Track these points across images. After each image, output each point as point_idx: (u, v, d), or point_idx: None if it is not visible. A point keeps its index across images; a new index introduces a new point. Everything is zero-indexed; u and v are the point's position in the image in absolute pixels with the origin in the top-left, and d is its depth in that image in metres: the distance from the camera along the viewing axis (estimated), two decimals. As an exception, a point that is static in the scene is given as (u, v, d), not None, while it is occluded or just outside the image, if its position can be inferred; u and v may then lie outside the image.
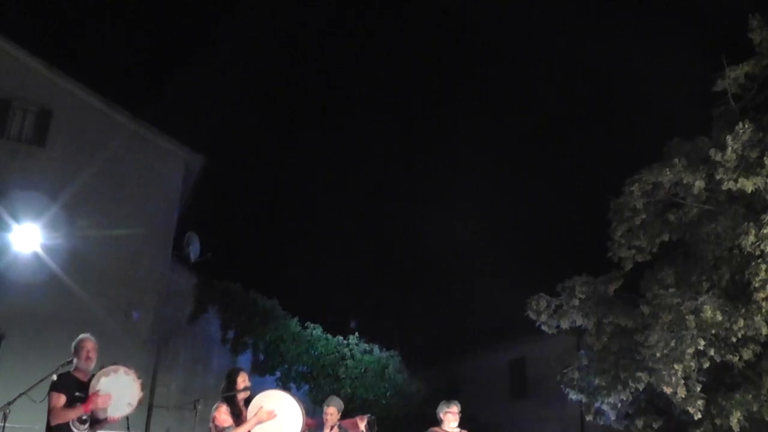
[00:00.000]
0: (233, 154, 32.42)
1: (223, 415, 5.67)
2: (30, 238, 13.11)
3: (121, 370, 5.48)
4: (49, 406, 5.33)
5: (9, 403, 5.31)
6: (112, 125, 15.61)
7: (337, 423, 7.04)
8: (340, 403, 7.12)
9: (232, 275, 16.43)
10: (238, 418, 5.68)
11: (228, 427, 5.59)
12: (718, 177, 9.75)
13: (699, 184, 10.04)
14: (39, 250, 13.33)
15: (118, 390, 5.43)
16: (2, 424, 5.25)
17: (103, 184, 14.74)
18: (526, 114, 36.30)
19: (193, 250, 15.71)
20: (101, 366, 5.53)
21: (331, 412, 6.99)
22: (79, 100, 15.53)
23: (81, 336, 5.68)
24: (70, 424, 5.33)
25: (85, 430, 5.44)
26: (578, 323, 11.71)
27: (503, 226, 29.83)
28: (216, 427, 5.63)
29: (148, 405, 13.80)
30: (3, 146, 14.84)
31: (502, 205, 31.27)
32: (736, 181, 9.54)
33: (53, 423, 5.29)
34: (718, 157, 9.67)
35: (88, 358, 5.54)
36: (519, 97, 36.23)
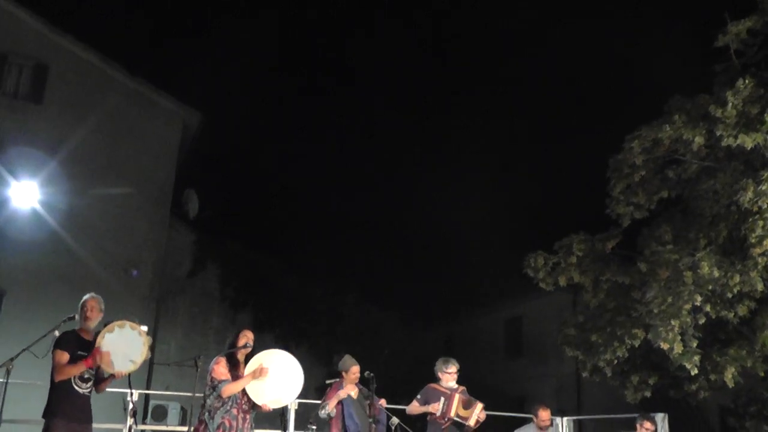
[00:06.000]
0: (232, 111, 32.20)
1: (221, 368, 5.68)
2: (28, 194, 13.11)
3: (127, 325, 5.46)
4: (52, 363, 5.36)
5: (12, 359, 5.30)
6: (109, 82, 15.49)
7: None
8: (355, 360, 7.12)
9: (231, 232, 16.49)
10: (236, 371, 5.72)
11: (223, 381, 5.61)
12: (717, 133, 9.64)
13: (698, 140, 9.95)
14: (38, 207, 13.34)
15: (123, 346, 5.40)
16: (5, 380, 5.27)
17: (101, 140, 14.68)
18: (526, 71, 35.98)
19: (192, 207, 15.71)
20: (106, 322, 5.52)
21: (357, 370, 6.99)
22: (75, 56, 15.38)
23: (85, 295, 5.66)
24: (72, 382, 5.35)
25: (88, 388, 5.47)
26: (575, 281, 11.74)
27: (501, 185, 29.82)
28: (212, 380, 5.66)
29: (149, 362, 13.93)
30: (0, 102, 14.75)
31: (501, 164, 31.19)
32: (735, 137, 9.44)
33: (56, 379, 5.32)
34: (718, 113, 9.56)
35: (86, 318, 5.50)
36: (520, 55, 35.85)
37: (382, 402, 6.94)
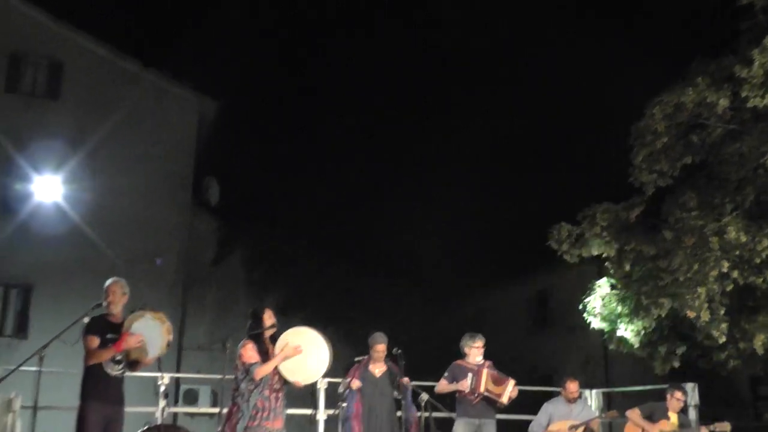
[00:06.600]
0: (250, 95, 32.16)
1: (249, 351, 5.69)
2: (51, 188, 13.30)
3: (147, 314, 5.55)
4: (84, 348, 5.47)
5: (44, 347, 5.42)
6: (124, 75, 15.65)
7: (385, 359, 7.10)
8: (386, 338, 7.14)
9: (254, 217, 16.56)
10: (265, 355, 5.71)
11: (255, 364, 5.62)
12: (743, 94, 9.39)
13: (723, 102, 9.70)
14: (60, 201, 13.54)
15: (149, 333, 5.51)
16: (39, 368, 5.36)
17: (119, 133, 14.84)
18: (551, 33, 35.49)
19: (213, 194, 15.85)
20: (132, 309, 5.61)
21: (382, 349, 7.00)
22: (89, 52, 15.57)
23: (108, 280, 5.77)
24: (104, 364, 5.46)
25: (120, 370, 5.56)
26: (600, 251, 11.60)
27: (523, 156, 29.59)
28: (243, 364, 5.67)
29: (178, 347, 14.13)
30: (17, 101, 14.97)
31: (522, 134, 30.93)
32: (762, 97, 9.17)
33: (88, 364, 5.45)
34: (744, 74, 9.27)
35: (110, 302, 5.62)
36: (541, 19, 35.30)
37: (406, 380, 6.95)
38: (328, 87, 36.95)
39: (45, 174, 13.71)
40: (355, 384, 6.90)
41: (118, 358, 5.52)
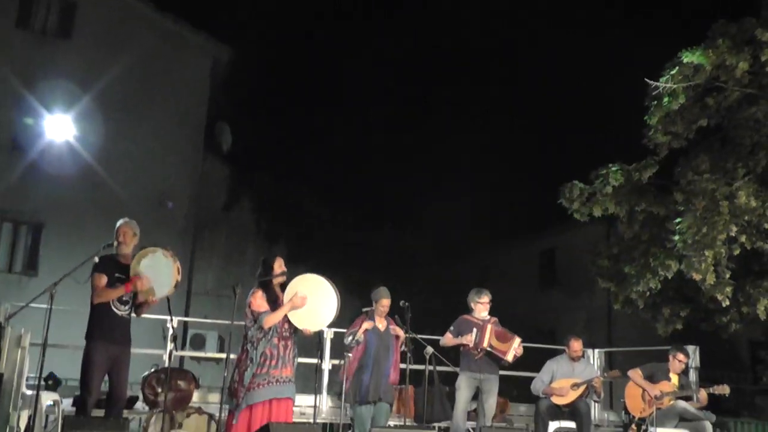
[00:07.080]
0: (265, 42, 31.80)
1: (259, 300, 5.72)
2: (62, 127, 13.30)
3: (159, 251, 5.58)
4: (91, 286, 5.53)
5: (55, 284, 5.41)
6: (136, 17, 15.49)
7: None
8: (389, 294, 7.16)
9: (265, 164, 16.56)
10: (275, 303, 5.73)
11: (264, 312, 5.66)
12: (763, 58, 9.26)
13: (742, 65, 9.55)
14: (72, 140, 13.54)
15: (158, 271, 5.52)
16: (49, 306, 5.42)
17: (132, 75, 14.75)
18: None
19: (225, 140, 15.84)
20: (142, 247, 5.64)
21: (386, 303, 7.00)
22: (102, -8, 15.36)
23: (119, 220, 5.79)
24: (111, 305, 5.52)
25: (126, 311, 5.62)
26: (610, 211, 11.56)
27: (536, 114, 29.37)
28: (252, 312, 5.71)
29: (187, 292, 14.27)
30: (28, 38, 14.86)
31: (536, 93, 30.63)
32: (783, 61, 9.08)
33: (95, 302, 5.51)
34: (765, 37, 9.13)
35: (121, 242, 5.65)
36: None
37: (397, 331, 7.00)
38: (341, 36, 36.49)
39: (56, 113, 13.68)
40: (368, 323, 6.91)
41: (126, 298, 5.59)
